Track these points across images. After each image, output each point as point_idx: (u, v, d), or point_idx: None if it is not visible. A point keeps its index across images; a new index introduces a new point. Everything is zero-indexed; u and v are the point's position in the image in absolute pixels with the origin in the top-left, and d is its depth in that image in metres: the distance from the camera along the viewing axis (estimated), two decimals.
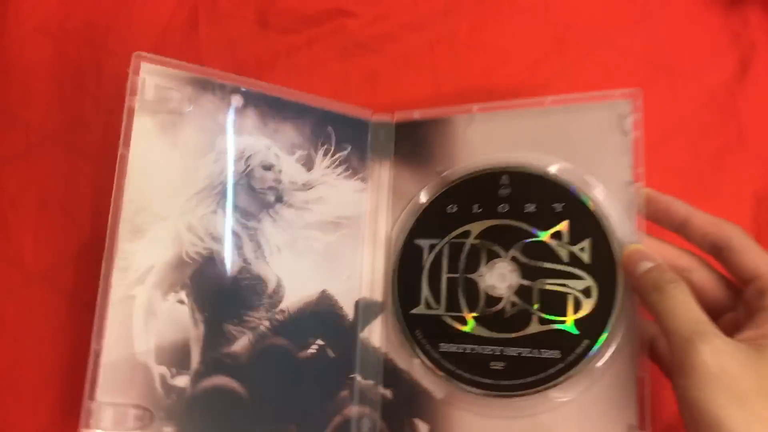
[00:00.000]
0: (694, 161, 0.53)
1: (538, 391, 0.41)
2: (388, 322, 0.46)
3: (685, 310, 0.36)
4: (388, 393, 0.45)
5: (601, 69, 0.56)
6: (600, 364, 0.40)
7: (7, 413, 0.49)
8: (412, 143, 0.48)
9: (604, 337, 0.40)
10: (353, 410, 0.45)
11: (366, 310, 0.47)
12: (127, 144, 0.42)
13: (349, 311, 0.46)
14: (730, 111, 0.54)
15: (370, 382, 0.46)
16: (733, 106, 0.54)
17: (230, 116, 0.45)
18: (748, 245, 0.39)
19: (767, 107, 0.54)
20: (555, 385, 0.41)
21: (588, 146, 0.43)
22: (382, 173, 0.49)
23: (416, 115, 0.48)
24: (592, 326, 0.41)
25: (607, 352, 0.40)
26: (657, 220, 0.41)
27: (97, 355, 0.40)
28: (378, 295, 0.47)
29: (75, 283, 0.51)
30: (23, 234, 0.52)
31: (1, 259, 0.51)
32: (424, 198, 0.47)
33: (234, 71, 0.52)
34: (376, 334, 0.46)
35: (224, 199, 0.44)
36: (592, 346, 0.41)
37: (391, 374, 0.46)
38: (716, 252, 0.40)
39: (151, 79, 0.43)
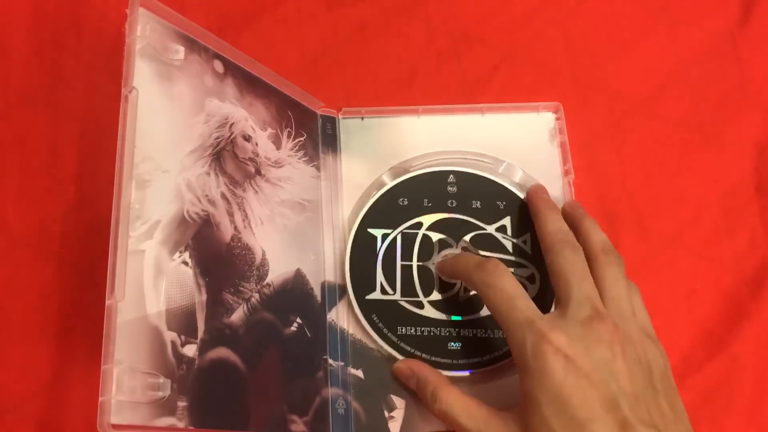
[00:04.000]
0: (695, 110, 0.53)
1: (495, 368, 0.45)
2: (351, 305, 0.47)
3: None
4: (359, 373, 0.45)
5: (598, 16, 0.55)
6: None
7: None
8: (360, 138, 0.51)
9: None
10: (328, 392, 0.44)
11: (330, 292, 0.46)
12: (128, 85, 0.37)
13: (318, 292, 0.46)
14: (731, 59, 0.54)
15: (341, 363, 0.45)
16: (735, 54, 0.54)
17: (214, 80, 0.43)
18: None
19: None
20: (509, 363, 0.46)
21: (523, 148, 0.51)
22: (333, 164, 0.50)
23: (363, 112, 0.51)
24: (539, 308, 0.47)
25: None
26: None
27: (112, 312, 0.34)
28: (340, 278, 0.47)
29: (61, 246, 0.48)
30: (6, 198, 0.48)
31: None
32: (375, 190, 0.49)
33: (218, 25, 0.51)
34: (342, 316, 0.46)
35: (215, 162, 0.42)
36: None
37: (359, 355, 0.46)
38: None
39: (148, 24, 0.40)
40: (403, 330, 0.46)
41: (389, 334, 0.46)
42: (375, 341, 0.46)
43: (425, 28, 0.55)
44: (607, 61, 0.55)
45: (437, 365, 0.45)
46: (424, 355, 0.45)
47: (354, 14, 0.56)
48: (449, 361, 0.45)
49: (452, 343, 0.46)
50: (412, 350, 0.45)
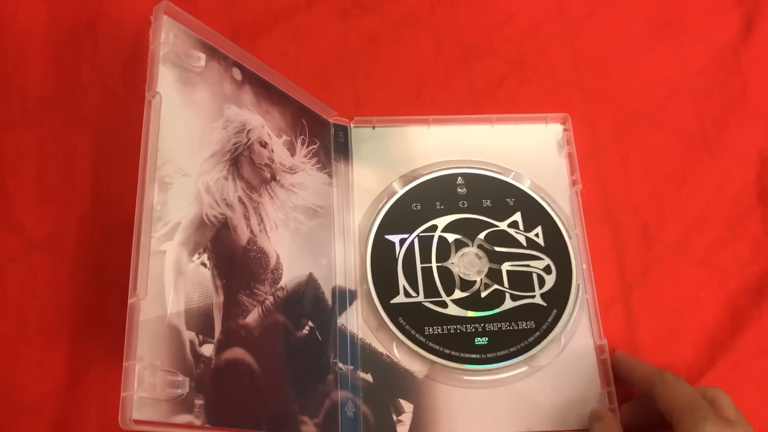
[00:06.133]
0: (698, 120, 0.54)
1: (522, 358, 0.47)
2: (363, 310, 0.48)
3: None
4: (368, 377, 0.46)
5: (604, 29, 0.57)
6: (566, 331, 0.47)
7: (11, 380, 0.45)
8: (371, 146, 0.52)
9: (569, 306, 0.48)
10: (338, 395, 0.45)
11: (341, 297, 0.47)
12: (152, 90, 0.38)
13: (329, 297, 0.47)
14: (734, 70, 0.56)
15: (350, 367, 0.46)
16: (738, 66, 0.56)
17: (232, 87, 0.44)
18: (665, 385, 0.41)
19: None
20: (534, 353, 0.47)
21: (531, 158, 0.52)
22: (344, 172, 0.51)
23: (374, 121, 0.52)
24: (556, 297, 0.48)
25: (570, 320, 0.48)
26: (619, 376, 0.46)
27: (135, 310, 0.34)
28: (351, 284, 0.48)
29: (77, 249, 0.48)
30: (23, 201, 0.49)
31: (1, 226, 0.49)
32: (387, 197, 0.50)
33: (232, 35, 0.53)
34: (352, 320, 0.47)
35: (233, 167, 0.43)
36: (561, 315, 0.48)
37: (369, 359, 0.47)
38: (649, 393, 0.42)
39: (172, 31, 0.41)
40: (430, 330, 0.47)
41: (417, 335, 0.47)
42: (403, 342, 0.47)
43: (434, 40, 0.57)
44: (613, 72, 0.56)
45: (466, 361, 0.46)
46: (452, 352, 0.46)
47: (365, 25, 0.57)
48: (477, 356, 0.46)
49: (478, 339, 0.47)
50: (441, 348, 0.46)
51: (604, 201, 0.52)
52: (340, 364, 0.46)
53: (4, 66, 0.52)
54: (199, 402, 0.36)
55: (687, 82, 0.56)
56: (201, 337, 0.37)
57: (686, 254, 0.51)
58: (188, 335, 0.37)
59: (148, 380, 0.33)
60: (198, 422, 0.35)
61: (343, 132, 0.52)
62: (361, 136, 0.52)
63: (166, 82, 0.39)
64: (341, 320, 0.47)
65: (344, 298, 0.47)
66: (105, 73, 0.53)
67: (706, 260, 0.51)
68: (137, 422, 0.32)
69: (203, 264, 0.39)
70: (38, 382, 0.46)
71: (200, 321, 0.37)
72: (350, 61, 0.55)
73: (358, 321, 0.47)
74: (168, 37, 0.40)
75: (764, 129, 0.54)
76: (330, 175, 0.50)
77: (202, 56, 0.42)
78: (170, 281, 0.37)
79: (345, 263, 0.48)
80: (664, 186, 0.53)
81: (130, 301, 0.34)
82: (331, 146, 0.51)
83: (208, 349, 0.37)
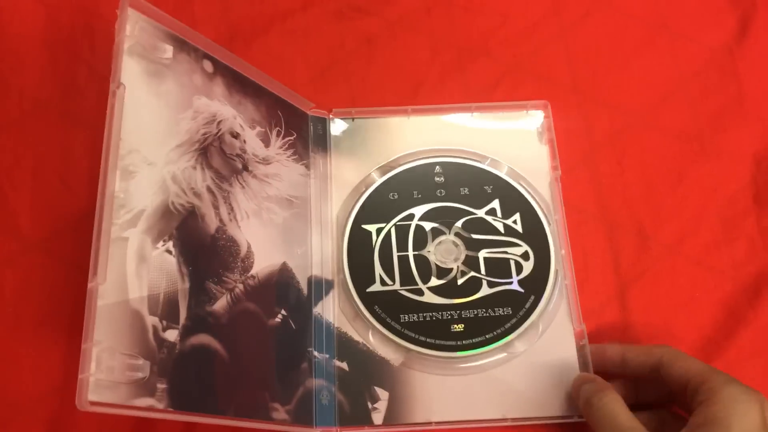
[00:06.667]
0: (693, 122, 0.54)
1: (499, 345, 0.46)
2: (340, 299, 0.48)
3: (608, 420, 0.39)
4: (344, 365, 0.46)
5: (599, 30, 0.57)
6: (544, 317, 0.47)
7: (7, 381, 0.46)
8: (351, 137, 0.52)
9: (547, 292, 0.48)
10: (312, 383, 0.45)
11: (317, 287, 0.48)
12: (116, 81, 0.39)
13: (304, 286, 0.47)
14: (729, 72, 0.56)
15: (326, 355, 0.46)
16: (733, 67, 0.56)
17: (203, 79, 0.45)
18: (676, 356, 0.41)
19: (767, 68, 0.56)
20: (511, 339, 0.46)
21: (512, 146, 0.52)
22: (322, 163, 0.51)
23: (353, 113, 0.52)
24: (534, 284, 0.48)
25: (549, 305, 0.47)
26: (601, 367, 0.45)
27: (93, 294, 0.35)
28: (328, 274, 0.48)
29: (73, 250, 0.49)
30: (20, 202, 0.50)
31: None
32: (365, 188, 0.50)
33: (229, 37, 0.54)
34: (328, 310, 0.47)
35: (202, 157, 0.43)
36: (538, 301, 0.47)
37: (345, 347, 0.47)
38: (655, 373, 0.42)
39: (137, 24, 0.41)
40: (406, 318, 0.47)
41: (393, 323, 0.47)
42: (378, 330, 0.47)
43: (429, 42, 0.57)
44: (609, 74, 0.56)
45: (442, 348, 0.46)
46: (428, 340, 0.46)
47: (360, 27, 0.57)
48: (453, 342, 0.46)
49: (455, 326, 0.47)
50: (417, 336, 0.46)
51: (599, 202, 0.52)
52: (316, 353, 0.46)
53: (2, 68, 0.53)
54: (161, 386, 0.36)
55: (682, 84, 0.55)
56: (165, 322, 0.38)
57: (682, 255, 0.51)
58: (151, 320, 0.37)
59: (106, 363, 0.34)
60: (160, 405, 0.36)
61: (321, 124, 0.52)
62: (340, 127, 0.52)
63: (131, 74, 0.40)
64: (317, 309, 0.47)
65: (320, 287, 0.48)
66: (102, 75, 0.53)
67: (702, 261, 0.51)
68: (93, 404, 0.33)
69: (168, 251, 0.39)
70: (34, 383, 0.46)
71: (164, 307, 0.38)
72: (346, 63, 0.56)
73: (334, 310, 0.47)
74: (133, 29, 0.40)
75: (759, 130, 0.54)
76: (307, 167, 0.50)
77: (169, 48, 0.42)
78: (133, 267, 0.37)
79: (322, 253, 0.49)
80: (660, 187, 0.52)
81: (89, 285, 0.35)
82: (309, 138, 0.51)
83: (172, 335, 0.38)
